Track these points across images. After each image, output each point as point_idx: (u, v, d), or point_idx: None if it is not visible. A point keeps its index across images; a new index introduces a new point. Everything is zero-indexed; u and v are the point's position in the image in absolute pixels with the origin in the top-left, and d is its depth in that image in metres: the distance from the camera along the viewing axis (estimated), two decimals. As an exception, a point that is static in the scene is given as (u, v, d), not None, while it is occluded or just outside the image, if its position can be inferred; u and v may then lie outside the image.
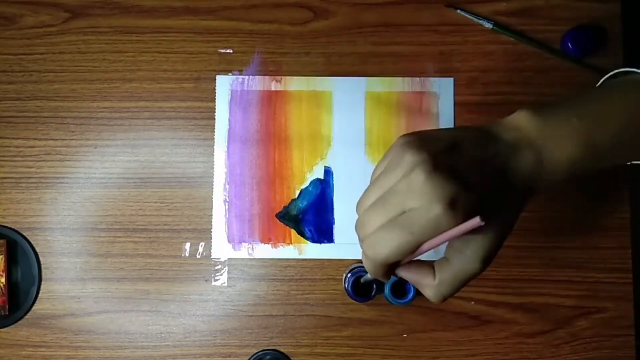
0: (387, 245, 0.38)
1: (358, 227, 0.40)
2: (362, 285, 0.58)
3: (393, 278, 0.57)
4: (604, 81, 0.51)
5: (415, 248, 0.38)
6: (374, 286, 0.57)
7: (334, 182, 0.62)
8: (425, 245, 0.38)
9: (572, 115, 0.43)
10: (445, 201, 0.36)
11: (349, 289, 0.58)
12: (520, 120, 0.43)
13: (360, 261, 0.62)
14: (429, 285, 0.42)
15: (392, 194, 0.38)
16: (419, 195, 0.37)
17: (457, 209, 0.37)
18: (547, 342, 0.62)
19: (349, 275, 0.59)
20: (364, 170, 0.62)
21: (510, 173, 0.41)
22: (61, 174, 0.63)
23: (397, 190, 0.38)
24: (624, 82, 0.48)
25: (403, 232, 0.37)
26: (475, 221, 0.36)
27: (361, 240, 0.40)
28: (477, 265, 0.41)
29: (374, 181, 0.40)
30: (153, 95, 0.63)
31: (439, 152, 0.38)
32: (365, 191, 0.40)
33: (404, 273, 0.42)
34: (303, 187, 0.62)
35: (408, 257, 0.39)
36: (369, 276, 0.47)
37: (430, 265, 0.42)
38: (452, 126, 0.63)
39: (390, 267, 0.41)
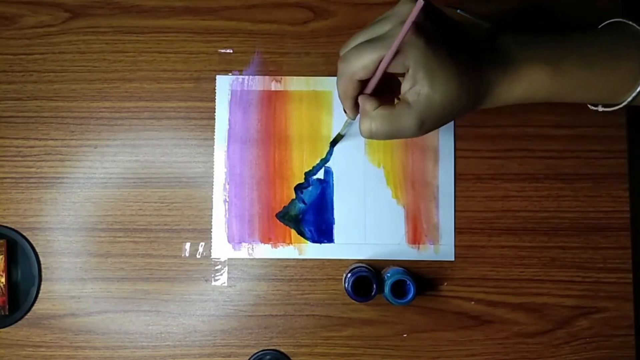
0: (358, 59, 0.45)
1: (341, 49, 0.48)
2: (362, 287, 0.58)
3: (393, 278, 0.57)
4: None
5: (379, 61, 0.44)
6: (374, 286, 0.57)
7: (334, 182, 0.62)
8: (385, 58, 0.44)
9: (543, 43, 0.49)
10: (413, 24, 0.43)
11: (349, 289, 0.58)
12: (504, 40, 0.49)
13: (360, 261, 0.62)
14: (366, 116, 0.47)
15: (375, 25, 0.46)
16: (395, 18, 0.44)
17: (421, 34, 0.43)
18: (547, 342, 0.62)
19: (349, 275, 0.59)
20: (364, 170, 0.62)
21: (478, 67, 0.46)
22: (61, 174, 0.63)
23: (381, 18, 0.46)
24: (608, 27, 0.53)
25: (371, 48, 0.44)
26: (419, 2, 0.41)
27: (340, 63, 0.47)
28: (411, 116, 0.45)
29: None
30: (153, 95, 0.63)
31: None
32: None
33: (360, 100, 0.48)
34: (303, 187, 0.62)
35: (373, 77, 0.46)
36: (347, 120, 0.53)
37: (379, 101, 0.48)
38: (452, 123, 0.63)
39: (356, 92, 0.47)
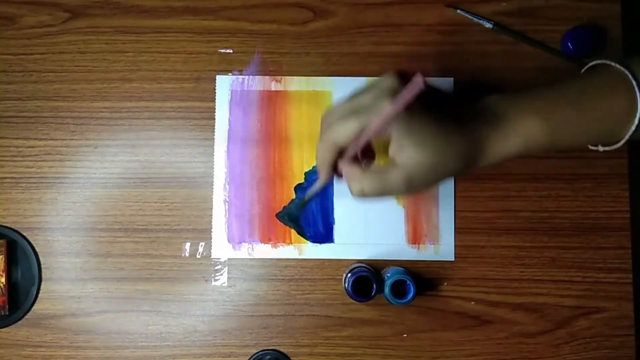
0: (340, 127, 0.46)
1: (324, 116, 0.48)
2: (362, 286, 0.58)
3: (393, 278, 0.57)
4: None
5: (361, 130, 0.45)
6: (374, 286, 0.57)
7: (334, 182, 0.62)
8: (369, 128, 0.45)
9: (536, 97, 0.49)
10: (393, 93, 0.44)
11: (349, 289, 0.58)
12: (489, 99, 0.49)
13: (360, 261, 0.62)
14: (356, 177, 0.48)
15: (360, 96, 0.47)
16: (377, 89, 0.45)
17: (400, 99, 0.43)
18: (547, 342, 0.62)
19: (349, 275, 0.59)
20: (364, 170, 0.62)
21: (464, 126, 0.47)
22: (61, 174, 0.63)
23: (364, 90, 0.47)
24: (591, 70, 0.53)
25: (354, 117, 0.45)
26: (418, 79, 0.41)
27: (322, 128, 0.48)
28: (399, 176, 0.46)
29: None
30: (153, 95, 0.63)
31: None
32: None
33: (342, 165, 0.49)
34: (303, 187, 0.62)
35: (353, 145, 0.47)
36: (316, 186, 0.53)
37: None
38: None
39: (335, 157, 0.48)
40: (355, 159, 0.49)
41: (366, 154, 0.50)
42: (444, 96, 0.48)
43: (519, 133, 0.47)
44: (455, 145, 0.46)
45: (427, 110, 0.46)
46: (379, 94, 0.45)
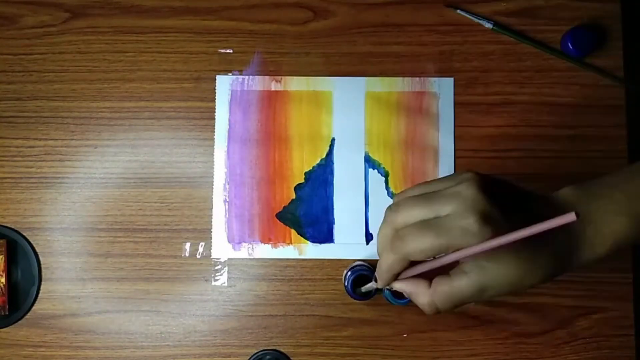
0: (416, 242, 0.39)
1: (391, 210, 0.41)
2: (362, 285, 0.58)
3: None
4: None
5: (438, 252, 0.39)
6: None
7: (334, 182, 0.62)
8: (452, 255, 0.39)
9: (615, 190, 0.43)
10: (479, 214, 0.37)
11: (349, 287, 0.58)
12: (566, 196, 0.43)
13: (361, 260, 0.62)
14: (423, 293, 0.42)
15: (437, 194, 0.40)
16: (459, 202, 0.38)
17: (489, 225, 0.37)
18: (547, 342, 0.62)
19: (349, 273, 0.59)
20: (364, 170, 0.62)
21: (550, 239, 0.41)
22: (61, 174, 0.63)
23: (443, 194, 0.40)
24: None
25: (433, 234, 0.38)
26: (571, 216, 0.35)
27: (387, 226, 0.41)
28: (472, 288, 0.40)
29: (427, 181, 0.42)
30: (153, 95, 0.63)
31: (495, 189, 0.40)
32: (415, 185, 0.42)
33: (399, 284, 0.43)
34: (303, 187, 0.62)
35: (419, 267, 0.41)
36: (373, 284, 0.48)
37: (426, 279, 0.43)
38: (452, 122, 0.63)
39: (400, 270, 0.42)
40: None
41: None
42: (521, 196, 0.43)
43: (606, 237, 0.43)
44: (539, 262, 0.41)
45: (507, 226, 0.39)
46: (458, 205, 0.39)
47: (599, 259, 0.43)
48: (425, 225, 0.39)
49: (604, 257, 0.43)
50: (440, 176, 0.62)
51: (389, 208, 0.41)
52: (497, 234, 0.38)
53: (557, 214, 0.38)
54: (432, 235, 0.39)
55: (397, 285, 0.44)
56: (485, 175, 0.40)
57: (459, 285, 0.41)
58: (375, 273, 0.44)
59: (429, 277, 0.42)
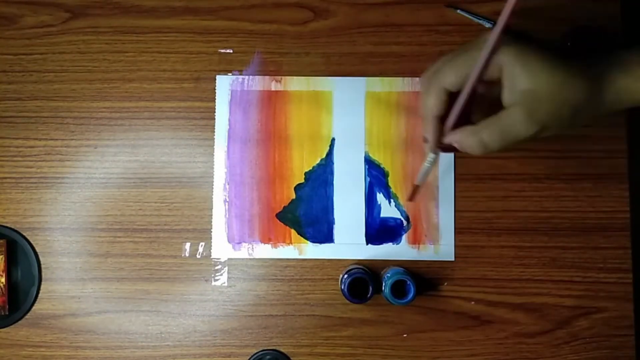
0: (451, 70, 0.44)
1: (426, 73, 0.47)
2: (358, 287, 0.58)
3: (393, 278, 0.57)
4: None
5: (470, 76, 0.43)
6: (370, 288, 0.57)
7: (334, 182, 0.62)
8: (480, 59, 0.43)
9: None
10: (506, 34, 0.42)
11: (345, 290, 0.58)
12: (614, 50, 0.46)
13: (357, 262, 0.62)
14: (472, 133, 0.45)
15: (460, 49, 0.45)
16: (477, 41, 0.44)
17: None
18: (547, 342, 0.62)
19: (345, 276, 0.59)
20: (364, 170, 0.62)
21: (585, 61, 0.44)
22: (61, 174, 0.63)
23: (469, 43, 0.45)
24: None
25: (463, 58, 0.44)
26: None
27: (426, 81, 0.46)
28: (519, 115, 0.43)
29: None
30: (153, 95, 0.63)
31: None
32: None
33: (448, 136, 0.47)
34: (303, 187, 0.62)
35: (465, 89, 0.44)
36: (427, 158, 0.52)
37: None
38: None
39: (446, 107, 0.46)
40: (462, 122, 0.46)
41: (461, 121, 0.47)
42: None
43: (632, 88, 0.44)
44: (574, 68, 0.43)
45: (534, 40, 0.43)
46: (479, 45, 0.43)
47: (621, 104, 0.44)
48: (457, 56, 0.44)
49: (625, 106, 0.45)
50: (440, 176, 0.62)
51: (427, 71, 0.47)
52: (518, 39, 0.42)
53: (602, 57, 0.44)
54: (462, 60, 0.44)
55: (446, 139, 0.47)
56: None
57: (505, 112, 0.43)
58: (422, 130, 0.49)
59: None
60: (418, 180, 0.56)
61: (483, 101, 0.46)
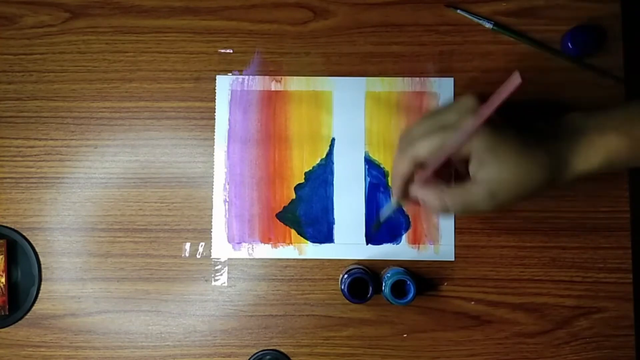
0: (423, 142, 0.48)
1: (403, 134, 0.51)
2: (358, 287, 0.58)
3: (393, 278, 0.57)
4: None
5: (442, 150, 0.47)
6: (370, 288, 0.57)
7: (334, 182, 0.62)
8: (453, 140, 0.46)
9: (615, 110, 0.49)
10: (474, 112, 0.46)
11: (345, 290, 0.58)
12: (568, 116, 0.50)
13: (357, 262, 0.62)
14: (437, 194, 0.49)
15: (441, 110, 0.49)
16: (461, 109, 0.47)
17: (481, 117, 0.45)
18: (547, 342, 0.62)
19: (346, 276, 0.59)
20: (364, 171, 0.62)
21: (546, 142, 0.47)
22: (61, 174, 0.63)
23: (446, 108, 0.48)
24: None
25: (437, 133, 0.47)
26: (516, 76, 0.43)
27: (402, 145, 0.50)
28: (482, 192, 0.47)
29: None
30: (153, 95, 0.63)
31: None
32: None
33: (413, 191, 0.51)
34: (303, 187, 0.62)
35: (433, 161, 0.48)
36: (391, 203, 0.55)
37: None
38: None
39: (412, 173, 0.50)
40: (430, 180, 0.50)
41: (439, 175, 0.51)
42: (521, 115, 0.50)
43: (600, 148, 0.48)
44: (538, 160, 0.47)
45: (508, 127, 0.47)
46: (461, 112, 0.47)
47: (593, 170, 0.48)
48: (429, 129, 0.48)
49: (598, 170, 0.48)
50: (440, 176, 0.62)
51: (401, 136, 0.51)
52: (494, 129, 0.46)
53: (559, 132, 0.48)
54: (435, 134, 0.47)
55: (412, 193, 0.51)
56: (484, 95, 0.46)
57: (469, 186, 0.47)
58: (391, 187, 0.52)
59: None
60: (382, 218, 0.60)
61: (450, 164, 0.51)
